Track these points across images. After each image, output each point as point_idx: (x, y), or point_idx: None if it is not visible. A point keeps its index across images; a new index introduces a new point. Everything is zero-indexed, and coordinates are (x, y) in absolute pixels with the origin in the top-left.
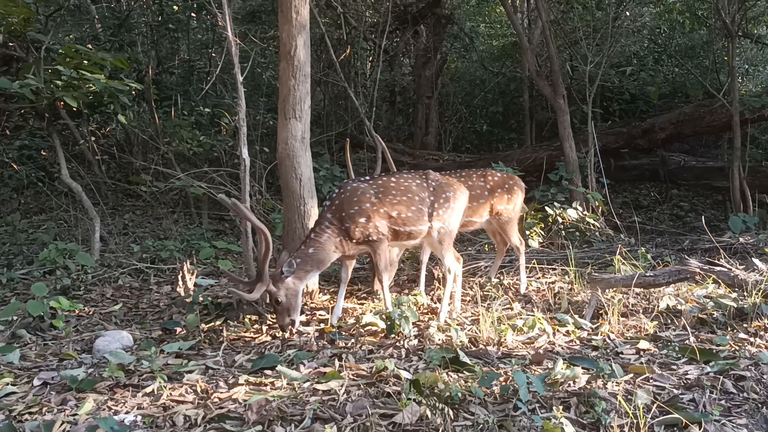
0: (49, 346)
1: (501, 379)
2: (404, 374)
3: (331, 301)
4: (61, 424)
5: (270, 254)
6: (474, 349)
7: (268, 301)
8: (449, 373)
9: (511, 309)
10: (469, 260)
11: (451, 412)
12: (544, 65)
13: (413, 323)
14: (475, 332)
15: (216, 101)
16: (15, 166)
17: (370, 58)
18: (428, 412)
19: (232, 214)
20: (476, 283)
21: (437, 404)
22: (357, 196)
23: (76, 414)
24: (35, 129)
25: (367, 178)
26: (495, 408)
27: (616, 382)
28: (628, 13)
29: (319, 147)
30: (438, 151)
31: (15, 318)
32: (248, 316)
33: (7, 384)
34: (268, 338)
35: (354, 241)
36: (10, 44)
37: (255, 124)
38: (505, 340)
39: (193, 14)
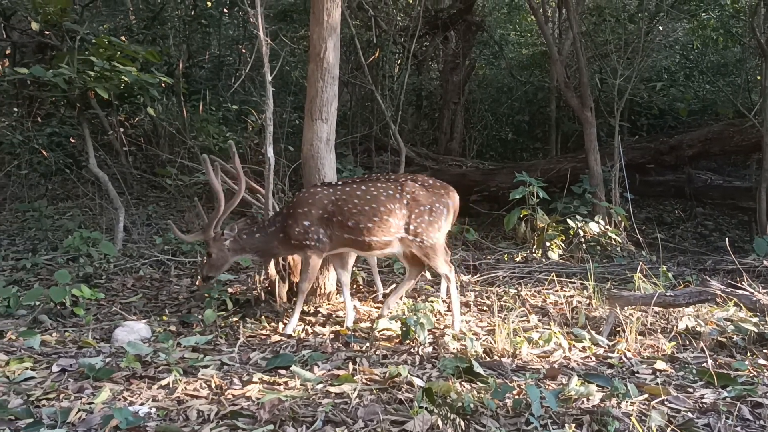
0: (69, 332)
1: (514, 392)
2: (417, 381)
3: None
4: (78, 412)
5: (219, 215)
6: (488, 359)
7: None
8: (462, 382)
9: (528, 321)
10: (487, 269)
11: (462, 423)
12: (573, 76)
13: (429, 330)
14: (491, 343)
15: (243, 98)
16: (44, 153)
17: (399, 62)
18: (440, 422)
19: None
20: (493, 293)
21: (449, 414)
22: (313, 200)
23: (92, 402)
24: (65, 117)
25: (335, 183)
26: (507, 421)
27: (631, 402)
28: (660, 28)
29: (343, 148)
30: (461, 158)
31: (37, 303)
32: (265, 314)
33: (27, 369)
34: (284, 337)
35: (292, 242)
36: (46, 32)
37: (281, 122)
38: (520, 352)
39: (225, 10)
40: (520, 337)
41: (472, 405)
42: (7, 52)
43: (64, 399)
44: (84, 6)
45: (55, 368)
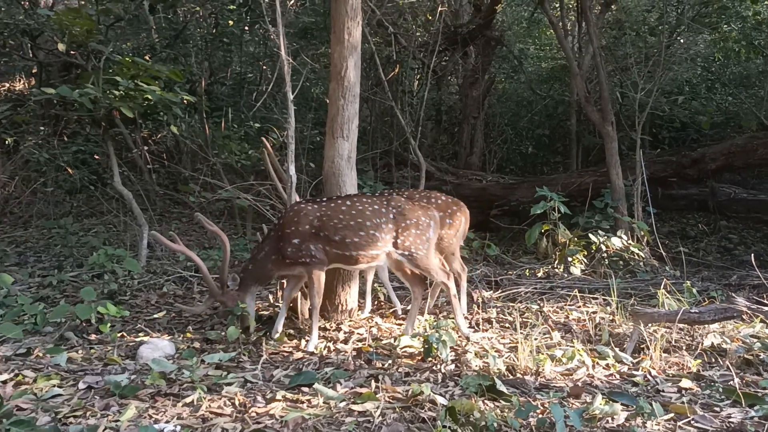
0: (94, 349)
1: (538, 411)
2: (440, 400)
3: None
4: (104, 430)
5: (207, 273)
6: (511, 377)
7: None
8: (485, 401)
9: (551, 338)
10: (508, 285)
11: None
12: (594, 90)
13: (451, 347)
14: (513, 360)
15: (264, 115)
16: (70, 170)
17: (418, 77)
18: None
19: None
20: (515, 309)
21: None
22: (298, 217)
23: (119, 420)
24: (90, 135)
25: (320, 199)
26: None
27: (656, 422)
28: (681, 41)
29: (363, 164)
30: (482, 172)
31: (63, 320)
32: (288, 330)
33: (54, 386)
34: (306, 354)
35: (287, 261)
36: (72, 52)
37: (302, 139)
38: (543, 370)
39: (245, 28)
40: (543, 354)
41: (495, 424)
42: (33, 71)
43: (90, 416)
44: (108, 26)
45: (81, 385)
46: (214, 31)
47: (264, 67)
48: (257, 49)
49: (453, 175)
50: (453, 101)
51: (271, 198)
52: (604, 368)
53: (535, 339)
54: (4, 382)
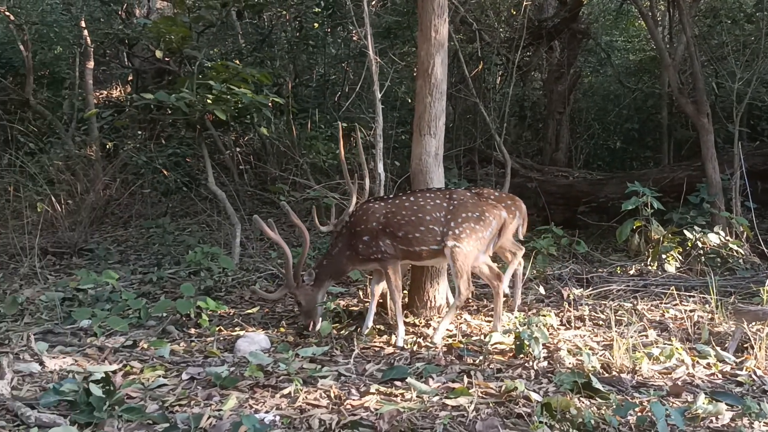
0: (194, 343)
1: (637, 409)
2: (534, 396)
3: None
4: (208, 418)
5: (291, 264)
6: (606, 375)
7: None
8: (581, 398)
9: (646, 336)
10: (599, 282)
11: None
12: (687, 82)
13: (543, 344)
14: (608, 358)
15: (348, 115)
16: (165, 172)
17: (500, 73)
18: None
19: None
20: (608, 307)
21: (570, 430)
22: (367, 215)
23: (221, 409)
24: (184, 138)
25: (387, 196)
26: None
27: (765, 422)
28: None
29: (447, 162)
30: (568, 168)
31: (165, 314)
32: (378, 326)
33: (159, 376)
34: (397, 349)
35: (360, 257)
36: (166, 59)
37: (386, 138)
38: (640, 368)
39: (327, 29)
40: (639, 352)
41: (593, 421)
42: (129, 78)
43: (194, 405)
44: (199, 33)
45: (184, 376)
46: (297, 34)
47: (347, 69)
48: (340, 51)
49: (538, 172)
50: (537, 97)
51: (358, 197)
52: (704, 367)
53: (631, 337)
54: (114, 372)
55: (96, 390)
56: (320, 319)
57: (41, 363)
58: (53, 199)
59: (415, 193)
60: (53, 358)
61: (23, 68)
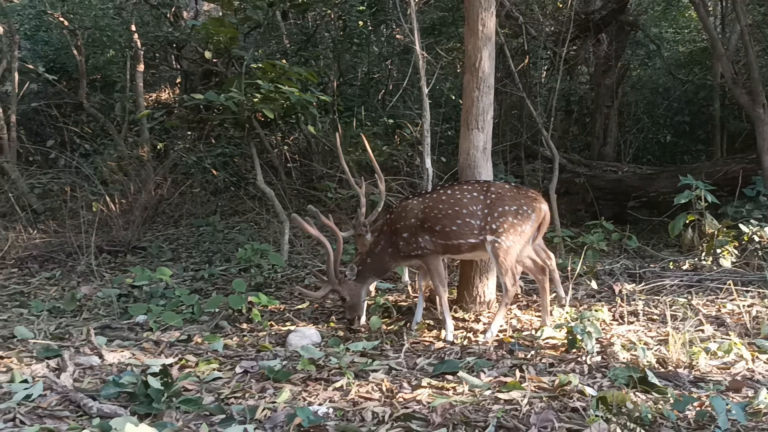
0: (247, 337)
1: (695, 404)
2: (589, 390)
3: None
4: (263, 410)
5: (332, 260)
6: (662, 370)
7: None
8: (637, 393)
9: (702, 331)
10: (652, 278)
11: None
12: (741, 72)
13: (596, 339)
14: (663, 353)
15: (392, 112)
16: (214, 172)
17: (546, 67)
18: (618, 431)
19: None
20: (661, 302)
21: (628, 423)
22: (405, 212)
23: (275, 402)
24: (232, 138)
25: (425, 192)
26: None
27: None
28: None
29: (493, 158)
30: (617, 163)
31: (217, 310)
32: (427, 321)
33: (214, 370)
34: (447, 344)
35: (402, 254)
36: (214, 60)
37: (432, 134)
38: (697, 363)
39: (371, 28)
40: (696, 347)
41: (650, 415)
42: (177, 81)
43: (249, 398)
44: (245, 34)
45: (238, 369)
46: (342, 33)
47: (390, 67)
48: (384, 49)
49: (586, 167)
50: (584, 91)
51: (403, 193)
52: (765, 362)
53: (687, 332)
54: (171, 365)
55: (154, 382)
56: (365, 314)
57: (101, 356)
58: (107, 198)
59: (453, 186)
60: (112, 351)
61: (76, 73)
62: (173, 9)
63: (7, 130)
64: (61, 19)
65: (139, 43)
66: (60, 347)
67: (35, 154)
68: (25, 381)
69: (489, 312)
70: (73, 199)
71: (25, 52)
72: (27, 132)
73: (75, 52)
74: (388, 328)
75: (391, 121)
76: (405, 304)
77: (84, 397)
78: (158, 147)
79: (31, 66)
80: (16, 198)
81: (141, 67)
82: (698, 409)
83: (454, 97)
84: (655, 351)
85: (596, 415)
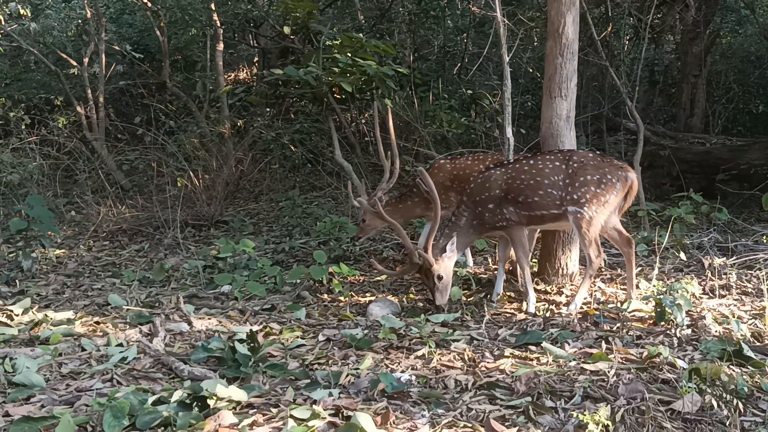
0: (328, 307)
1: None
2: (680, 363)
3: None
4: (347, 376)
5: (407, 238)
6: (758, 344)
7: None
8: (731, 366)
9: None
10: (744, 251)
11: (741, 405)
12: None
13: (686, 312)
14: (758, 327)
15: (468, 85)
16: (293, 148)
17: (629, 36)
18: (714, 403)
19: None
20: (755, 276)
21: (724, 395)
22: (489, 182)
23: (358, 368)
24: (311, 113)
25: (507, 162)
26: None
27: None
28: None
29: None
30: (704, 134)
31: (298, 281)
32: (508, 293)
33: (297, 337)
34: (529, 315)
35: (487, 225)
36: (292, 36)
37: (512, 105)
38: None
39: (446, 1)
40: None
41: (746, 388)
42: (255, 60)
43: (332, 364)
44: (321, 10)
45: (321, 337)
46: (416, 7)
47: (466, 40)
48: (459, 22)
49: (671, 139)
50: (670, 60)
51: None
52: None
53: None
54: (257, 332)
55: (241, 348)
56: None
57: (189, 323)
58: (191, 174)
59: (535, 156)
60: (200, 319)
61: (159, 54)
62: None
63: (95, 109)
64: (145, 0)
65: (218, 22)
66: (151, 314)
67: (123, 132)
68: (121, 345)
69: (571, 285)
70: (160, 175)
71: (111, 34)
72: (115, 111)
73: (158, 32)
74: (468, 299)
75: (470, 91)
76: (485, 276)
77: (175, 361)
78: (238, 124)
79: (117, 47)
80: (106, 175)
81: (220, 46)
82: None
83: (531, 70)
84: (750, 325)
85: (689, 387)
